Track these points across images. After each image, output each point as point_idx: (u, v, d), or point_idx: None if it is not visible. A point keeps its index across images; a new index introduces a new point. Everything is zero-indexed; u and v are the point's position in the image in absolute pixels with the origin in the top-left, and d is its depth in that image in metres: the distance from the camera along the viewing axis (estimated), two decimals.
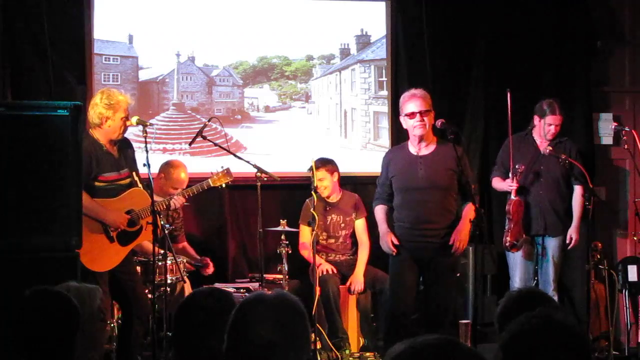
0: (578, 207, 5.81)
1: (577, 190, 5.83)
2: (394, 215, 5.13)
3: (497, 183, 5.87)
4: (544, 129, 5.77)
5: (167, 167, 5.77)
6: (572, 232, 5.77)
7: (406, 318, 4.99)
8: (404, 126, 5.11)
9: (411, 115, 4.96)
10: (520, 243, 5.64)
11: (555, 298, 5.63)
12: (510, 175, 5.63)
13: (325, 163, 6.00)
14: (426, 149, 5.06)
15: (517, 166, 5.58)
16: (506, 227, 5.61)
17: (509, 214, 5.59)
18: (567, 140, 5.90)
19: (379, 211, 5.22)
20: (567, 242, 5.75)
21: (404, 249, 5.00)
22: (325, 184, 5.98)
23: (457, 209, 5.11)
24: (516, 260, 5.78)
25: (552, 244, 5.76)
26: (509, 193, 5.64)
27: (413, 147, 5.09)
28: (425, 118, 4.95)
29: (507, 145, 5.85)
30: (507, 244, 5.56)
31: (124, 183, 4.84)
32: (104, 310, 3.42)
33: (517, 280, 5.81)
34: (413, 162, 5.05)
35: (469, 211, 5.04)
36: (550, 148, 5.75)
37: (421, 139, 5.01)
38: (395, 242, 4.97)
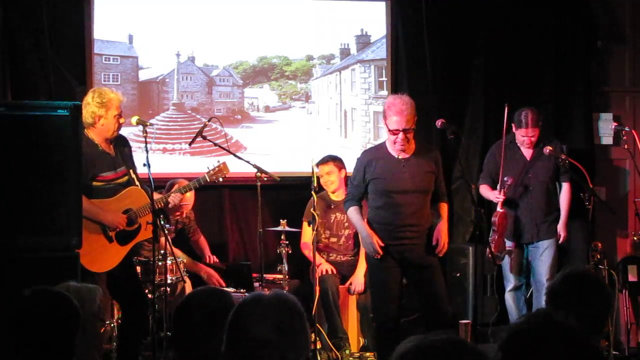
0: (565, 204, 5.82)
1: (565, 187, 5.84)
2: (372, 218, 4.95)
3: (485, 191, 5.84)
4: (519, 139, 5.77)
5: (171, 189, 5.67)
6: (559, 229, 5.78)
7: (394, 323, 4.89)
8: (385, 129, 4.90)
9: (394, 132, 4.77)
10: (502, 255, 5.66)
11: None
12: (498, 187, 5.63)
13: (334, 158, 6.03)
14: (407, 152, 4.91)
15: (505, 178, 5.58)
16: (490, 238, 5.59)
17: (494, 225, 5.59)
18: (551, 140, 5.89)
19: (355, 212, 4.98)
20: (557, 238, 5.76)
21: (387, 252, 4.87)
22: (333, 178, 5.99)
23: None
24: (507, 269, 5.82)
25: (544, 245, 5.76)
26: (496, 204, 5.64)
27: (394, 151, 4.91)
28: (408, 136, 4.79)
29: (494, 153, 5.85)
30: (490, 256, 5.54)
31: (122, 182, 4.83)
32: (103, 310, 3.42)
33: (508, 280, 5.86)
34: (396, 165, 4.89)
35: (445, 211, 5.05)
36: (550, 148, 5.75)
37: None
38: (381, 244, 4.83)
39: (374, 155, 5.00)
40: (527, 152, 5.81)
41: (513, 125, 5.78)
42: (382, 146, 5.04)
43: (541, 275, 5.73)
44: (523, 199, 5.76)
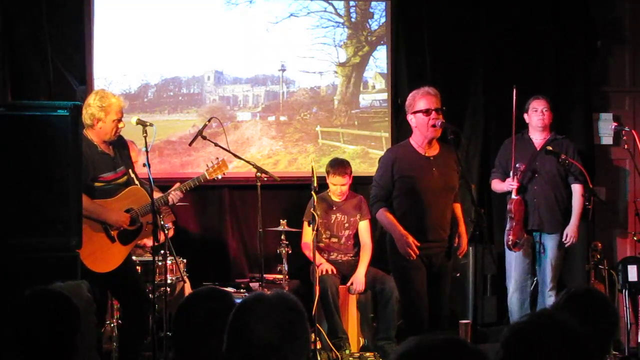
0: (577, 206, 5.80)
1: (576, 189, 5.83)
2: (400, 220, 4.81)
3: (497, 184, 5.88)
4: (533, 118, 5.80)
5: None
6: (568, 230, 5.75)
7: (425, 326, 4.79)
8: (413, 124, 4.84)
9: (426, 112, 4.73)
10: (522, 242, 5.64)
11: (552, 298, 5.61)
12: (511, 174, 5.65)
13: (347, 165, 5.99)
14: (433, 150, 4.87)
15: (517, 165, 5.60)
16: (508, 226, 5.62)
17: (510, 212, 5.59)
18: (564, 138, 5.91)
19: (386, 214, 4.82)
20: (564, 240, 5.75)
21: (416, 255, 4.77)
22: (345, 189, 5.98)
23: None
24: (512, 259, 5.79)
25: (549, 243, 5.76)
26: (510, 192, 5.66)
27: (421, 148, 4.85)
28: (439, 116, 4.75)
29: (507, 146, 5.88)
30: (510, 243, 5.56)
31: (121, 182, 4.83)
32: (93, 302, 3.40)
33: (512, 279, 5.83)
34: (425, 163, 4.82)
35: (460, 211, 5.03)
36: (550, 148, 5.77)
37: (432, 139, 4.82)
38: (417, 243, 4.71)
39: (401, 153, 4.92)
40: (537, 142, 5.83)
41: (525, 115, 5.88)
42: (407, 144, 4.95)
43: (545, 276, 5.73)
44: (529, 185, 5.77)
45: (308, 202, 5.91)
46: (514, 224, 5.57)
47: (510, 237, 5.57)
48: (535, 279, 5.89)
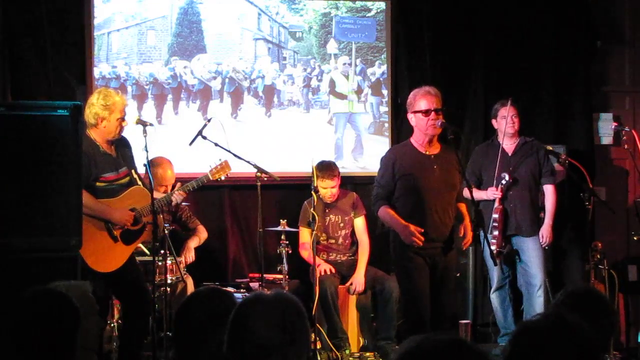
0: (550, 206, 5.78)
1: (549, 189, 5.81)
2: (403, 219, 4.81)
3: (475, 193, 5.75)
4: (503, 125, 5.72)
5: (151, 166, 5.56)
6: (542, 230, 5.75)
7: (427, 326, 4.78)
8: (413, 123, 4.86)
9: (426, 112, 4.75)
10: (505, 251, 5.66)
11: (542, 299, 5.60)
12: (494, 183, 5.63)
13: (334, 167, 5.95)
14: (434, 149, 4.88)
15: (502, 175, 5.59)
16: (490, 236, 5.57)
17: (495, 222, 5.59)
18: (533, 140, 5.88)
19: (387, 209, 4.83)
20: (541, 241, 5.74)
21: (417, 254, 4.78)
22: (335, 190, 5.96)
23: None
24: (491, 268, 5.78)
25: (528, 245, 5.73)
26: (493, 201, 5.64)
27: (422, 147, 4.86)
28: (439, 117, 4.77)
29: (477, 154, 5.91)
30: (495, 252, 5.52)
31: (123, 182, 4.83)
32: (96, 304, 3.40)
33: (494, 279, 5.86)
34: (426, 161, 4.84)
35: (465, 209, 5.03)
36: (550, 148, 5.76)
37: (432, 138, 4.84)
38: (420, 230, 4.70)
39: (402, 152, 4.93)
40: (508, 148, 5.80)
41: (493, 121, 5.87)
42: (407, 143, 4.97)
43: (531, 276, 5.68)
44: (505, 192, 5.74)
45: (302, 206, 5.97)
46: (498, 233, 5.58)
47: (495, 247, 5.53)
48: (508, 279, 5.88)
